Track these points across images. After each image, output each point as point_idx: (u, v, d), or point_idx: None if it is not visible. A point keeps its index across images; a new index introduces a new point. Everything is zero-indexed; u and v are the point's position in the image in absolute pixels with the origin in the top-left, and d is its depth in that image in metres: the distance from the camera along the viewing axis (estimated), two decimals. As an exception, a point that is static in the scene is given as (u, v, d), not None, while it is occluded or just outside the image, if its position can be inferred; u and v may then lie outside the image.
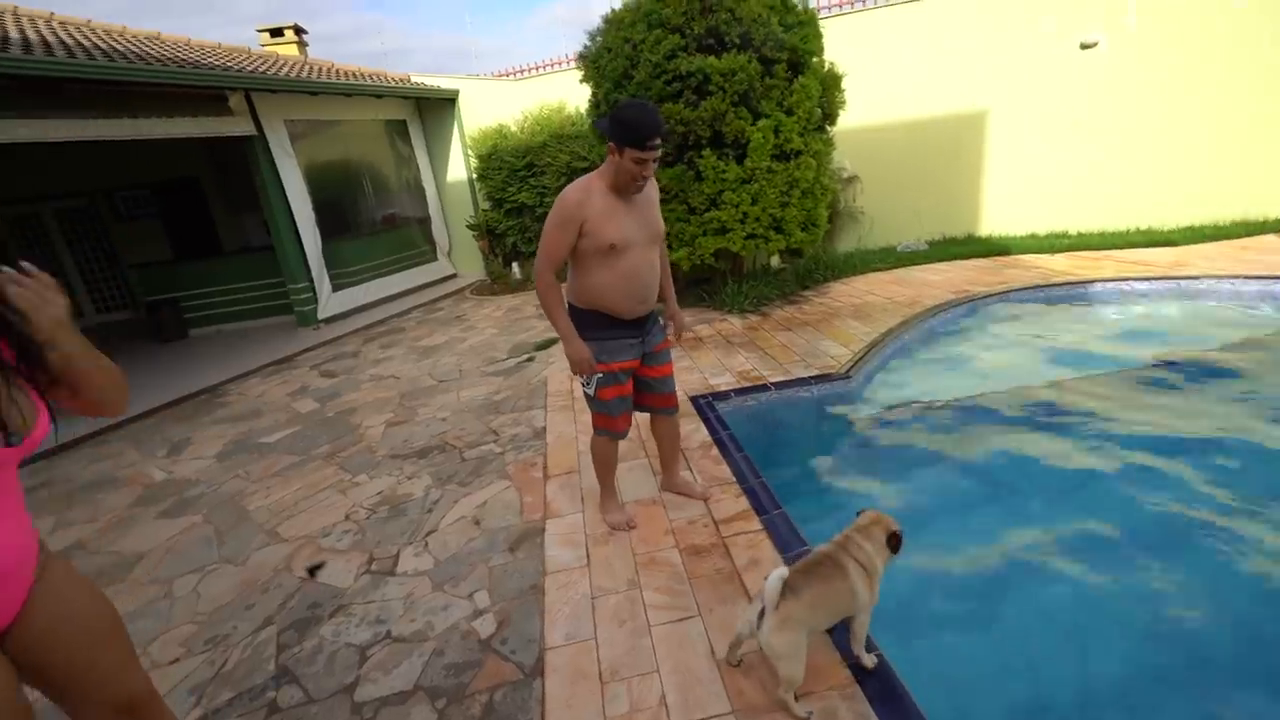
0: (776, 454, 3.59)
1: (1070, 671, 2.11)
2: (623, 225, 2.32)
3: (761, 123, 5.42)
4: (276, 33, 10.15)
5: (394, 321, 7.91)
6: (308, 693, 2.14)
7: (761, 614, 1.76)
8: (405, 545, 2.92)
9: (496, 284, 9.10)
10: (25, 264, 1.26)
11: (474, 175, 9.61)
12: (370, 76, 9.25)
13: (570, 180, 2.37)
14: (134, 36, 7.79)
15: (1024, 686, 2.08)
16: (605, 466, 2.80)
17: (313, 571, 2.83)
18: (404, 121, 9.44)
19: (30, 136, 5.21)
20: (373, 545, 2.96)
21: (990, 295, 5.54)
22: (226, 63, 7.31)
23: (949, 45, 7.64)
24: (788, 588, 1.75)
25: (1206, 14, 6.72)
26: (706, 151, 5.54)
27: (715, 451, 3.36)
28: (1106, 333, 4.89)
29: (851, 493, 3.22)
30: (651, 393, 2.71)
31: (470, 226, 9.56)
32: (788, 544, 2.52)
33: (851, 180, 8.31)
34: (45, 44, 5.75)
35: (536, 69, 9.73)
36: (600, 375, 2.50)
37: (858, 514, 2.03)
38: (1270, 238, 6.44)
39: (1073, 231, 7.62)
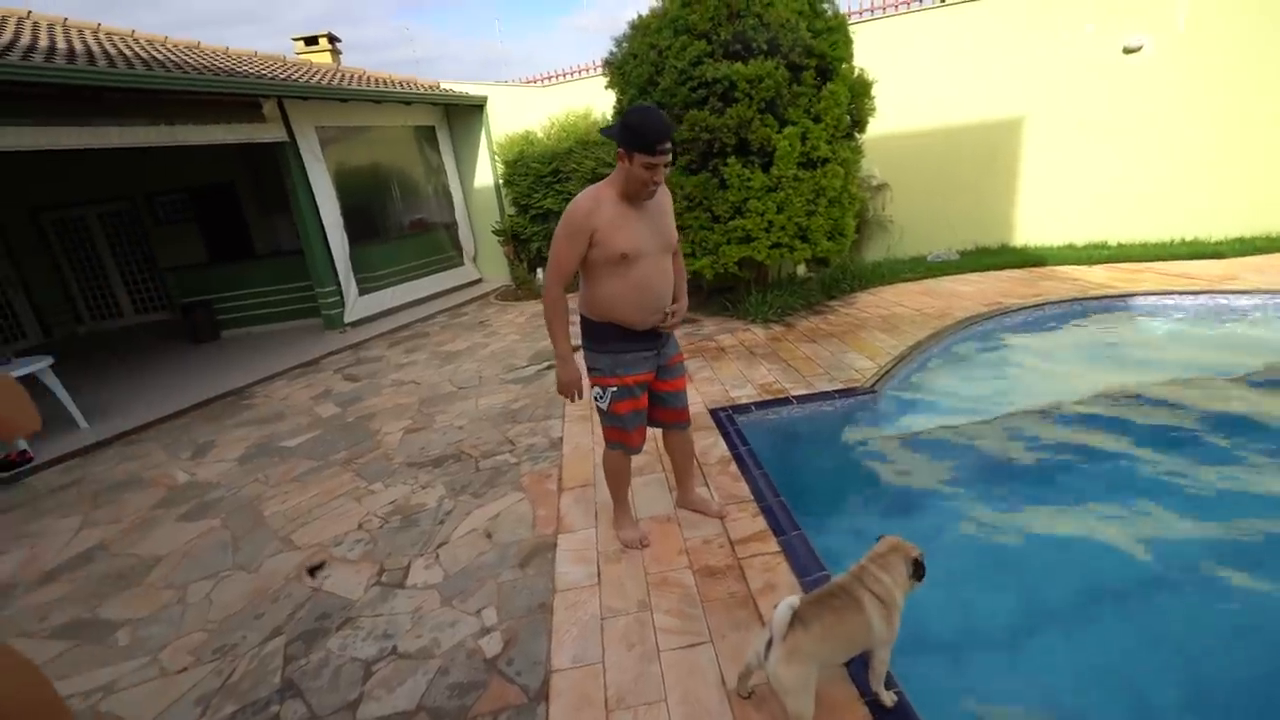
0: (797, 471, 3.49)
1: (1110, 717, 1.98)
2: (634, 234, 2.26)
3: (788, 130, 5.32)
4: (311, 41, 10.36)
5: (418, 326, 7.97)
6: (311, 709, 2.11)
7: (770, 645, 1.67)
8: (416, 557, 2.89)
9: (521, 289, 9.13)
10: None
11: (500, 181, 9.67)
12: (400, 84, 9.37)
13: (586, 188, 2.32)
14: (174, 46, 8.01)
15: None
16: (619, 481, 2.73)
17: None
18: (432, 128, 9.54)
19: (71, 143, 5.37)
20: (384, 556, 2.93)
21: (1024, 308, 5.34)
22: (261, 71, 7.47)
23: (984, 50, 7.44)
24: (797, 619, 1.67)
25: (1262, 11, 6.41)
26: (732, 159, 5.46)
27: (734, 467, 3.27)
28: (1147, 349, 4.67)
29: (873, 513, 3.11)
30: (664, 407, 2.63)
31: (496, 232, 9.61)
32: (805, 568, 2.42)
33: (881, 188, 8.14)
34: (89, 54, 5.93)
35: (563, 75, 9.77)
36: (615, 389, 2.44)
37: (877, 540, 1.93)
38: (1328, 250, 6.12)
39: (1112, 242, 7.35)
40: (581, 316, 2.47)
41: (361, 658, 2.31)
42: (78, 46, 6.22)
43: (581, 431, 3.98)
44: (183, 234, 10.10)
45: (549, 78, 9.90)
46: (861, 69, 5.93)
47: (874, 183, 8.02)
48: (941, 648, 2.27)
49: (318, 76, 8.27)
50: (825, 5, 5.69)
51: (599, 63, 6.58)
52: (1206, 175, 6.92)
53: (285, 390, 5.91)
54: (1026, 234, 7.84)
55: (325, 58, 10.37)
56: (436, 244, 9.71)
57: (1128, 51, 6.90)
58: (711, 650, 2.09)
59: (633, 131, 2.12)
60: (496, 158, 9.61)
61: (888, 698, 1.80)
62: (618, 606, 2.36)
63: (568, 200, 9.63)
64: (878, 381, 4.12)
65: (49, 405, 5.24)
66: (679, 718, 1.86)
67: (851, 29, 5.88)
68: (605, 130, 2.29)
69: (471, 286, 9.93)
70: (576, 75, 9.59)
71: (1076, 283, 5.97)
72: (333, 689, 2.18)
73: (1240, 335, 4.72)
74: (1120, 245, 7.21)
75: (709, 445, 3.51)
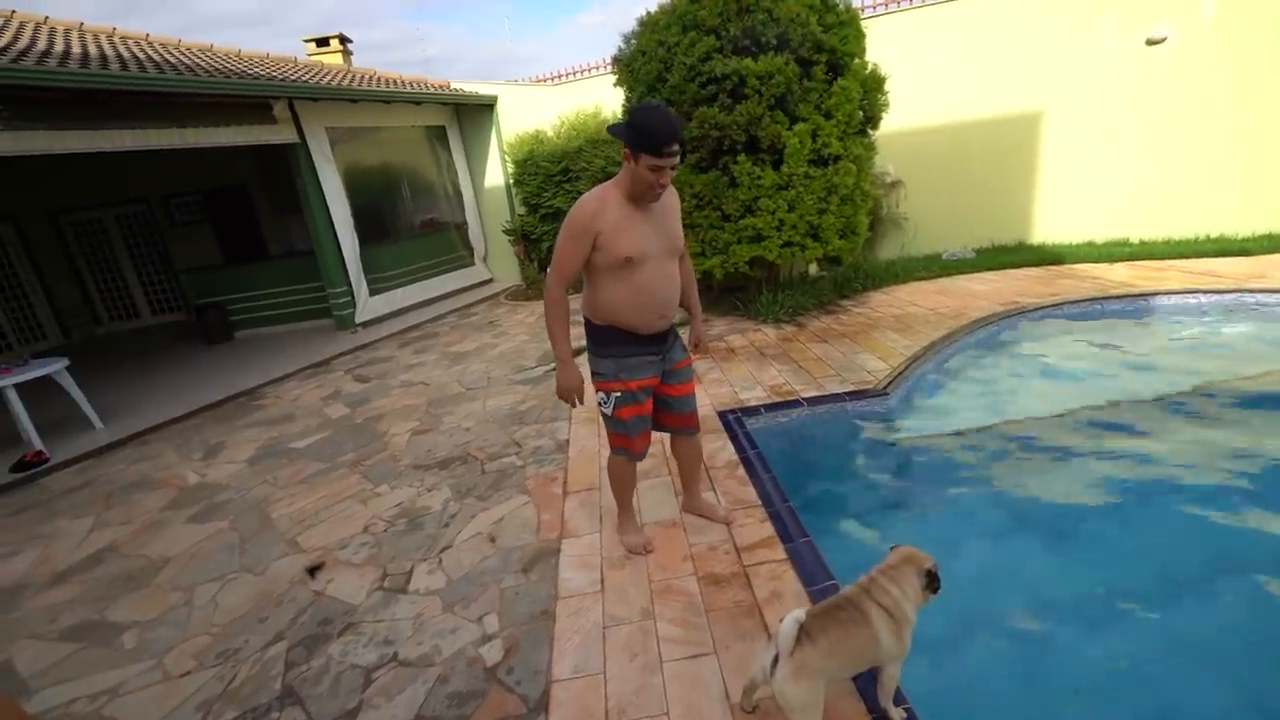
0: (806, 476, 3.43)
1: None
2: (639, 237, 2.20)
3: (798, 127, 5.24)
4: (322, 42, 10.41)
5: (429, 326, 7.98)
6: (310, 717, 2.09)
7: (775, 660, 1.62)
8: (420, 561, 2.87)
9: (531, 289, 9.12)
10: None
11: (510, 180, 9.66)
12: (410, 84, 9.39)
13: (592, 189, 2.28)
14: (187, 49, 8.09)
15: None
16: (623, 487, 2.69)
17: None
18: (443, 127, 9.55)
19: (85, 147, 5.42)
20: (387, 560, 2.92)
21: (1042, 307, 5.22)
22: (272, 72, 7.51)
23: (1001, 43, 7.29)
24: (804, 632, 1.61)
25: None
26: (742, 157, 5.39)
27: (741, 471, 3.22)
28: (1170, 350, 4.54)
29: (884, 520, 3.04)
30: (670, 412, 2.58)
31: (506, 231, 9.61)
32: (813, 576, 2.36)
33: (895, 185, 8.01)
34: (103, 58, 5.99)
35: (573, 74, 9.73)
36: (619, 394, 2.40)
37: (890, 550, 1.86)
38: (1360, 246, 5.92)
39: (1134, 239, 7.17)
40: (585, 319, 2.42)
41: (362, 665, 2.29)
42: (92, 51, 6.28)
43: (588, 434, 3.94)
44: (197, 235, 10.20)
45: (559, 76, 9.87)
46: (874, 64, 5.83)
47: (888, 180, 7.90)
48: (954, 660, 2.20)
49: (328, 77, 8.31)
50: (836, -1, 5.61)
51: (609, 60, 6.53)
52: (1234, 170, 6.72)
53: (296, 391, 5.94)
54: (1045, 231, 7.68)
55: (337, 59, 10.42)
56: (447, 244, 9.72)
57: (1151, 43, 6.72)
58: (715, 662, 2.04)
59: (639, 131, 2.06)
60: (507, 157, 9.60)
61: (896, 715, 1.74)
62: (620, 615, 2.32)
63: (577, 199, 9.65)
64: (890, 383, 4.04)
65: (65, 406, 5.32)
66: (681, 732, 1.81)
67: (864, 23, 5.78)
68: (612, 128, 2.23)
69: (482, 286, 9.93)
70: (586, 74, 9.55)
71: (1096, 281, 5.83)
72: (332, 696, 2.16)
73: (1270, 334, 4.57)
74: (1143, 242, 7.04)
75: (717, 448, 3.46)
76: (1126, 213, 7.22)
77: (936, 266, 7.04)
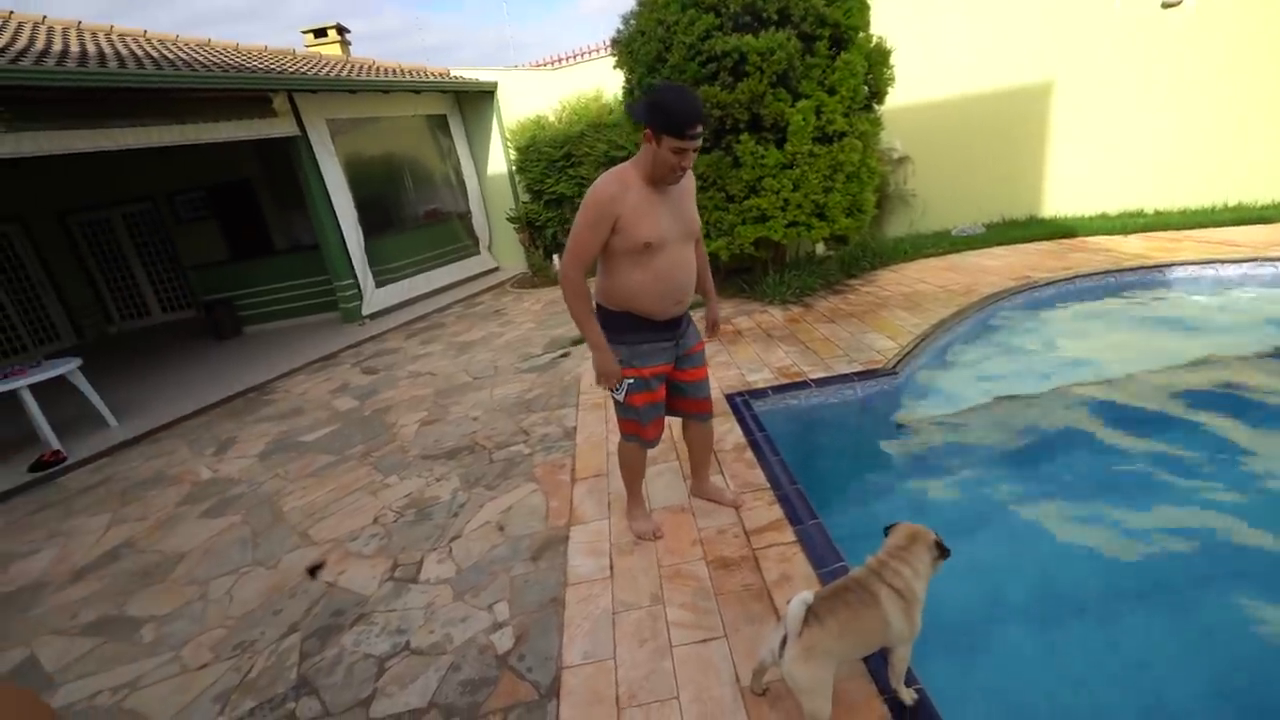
0: (814, 457, 3.41)
1: (1129, 706, 1.88)
2: (659, 221, 2.14)
3: (801, 104, 5.15)
4: (320, 33, 10.35)
5: (435, 316, 7.99)
6: (325, 705, 2.12)
7: (784, 641, 1.61)
8: (430, 551, 2.89)
9: (537, 277, 9.09)
10: None
11: (513, 167, 9.60)
12: (409, 72, 9.32)
13: (608, 170, 2.21)
14: (185, 44, 8.05)
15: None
16: (633, 473, 2.68)
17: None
18: (444, 116, 9.49)
19: (86, 146, 5.42)
20: (398, 550, 2.93)
21: (1054, 282, 5.13)
22: (270, 65, 7.47)
23: (1010, 11, 7.11)
24: (812, 615, 1.60)
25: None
26: (745, 136, 5.31)
27: (749, 454, 3.20)
28: (1185, 323, 4.45)
29: (894, 500, 3.01)
30: (685, 397, 2.55)
31: (510, 219, 9.57)
32: (822, 558, 2.35)
33: (903, 161, 7.89)
34: (101, 56, 5.97)
35: (573, 57, 9.62)
36: (631, 381, 2.36)
37: (887, 530, 1.84)
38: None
39: (1149, 210, 7.03)
40: (597, 305, 2.36)
41: (375, 654, 2.31)
42: (90, 49, 6.26)
43: (595, 420, 3.93)
44: (203, 232, 10.22)
45: (558, 60, 9.76)
46: (879, 37, 5.70)
47: (895, 155, 7.77)
48: (966, 641, 2.19)
49: (326, 68, 8.26)
50: (839, -30, 5.47)
51: (608, 43, 6.43)
52: (1252, 137, 6.55)
53: (305, 385, 5.97)
54: (1056, 204, 7.54)
55: (335, 49, 10.37)
56: (451, 233, 9.70)
57: (1166, 6, 6.53)
58: (725, 645, 2.04)
59: (662, 112, 1.99)
60: (509, 144, 9.53)
61: (907, 695, 1.73)
62: (630, 600, 2.32)
63: (580, 185, 9.48)
64: (899, 362, 4.00)
65: (79, 405, 5.38)
66: (692, 716, 1.81)
67: (868, -5, 5.64)
68: (630, 107, 2.16)
69: (487, 275, 9.92)
70: (586, 56, 9.44)
71: (1110, 254, 5.72)
72: (346, 685, 2.19)
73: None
74: (1158, 213, 6.89)
75: (724, 431, 3.44)
76: (1141, 183, 7.06)
77: (946, 243, 6.93)
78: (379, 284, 8.23)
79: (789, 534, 2.53)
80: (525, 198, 9.52)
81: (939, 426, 3.52)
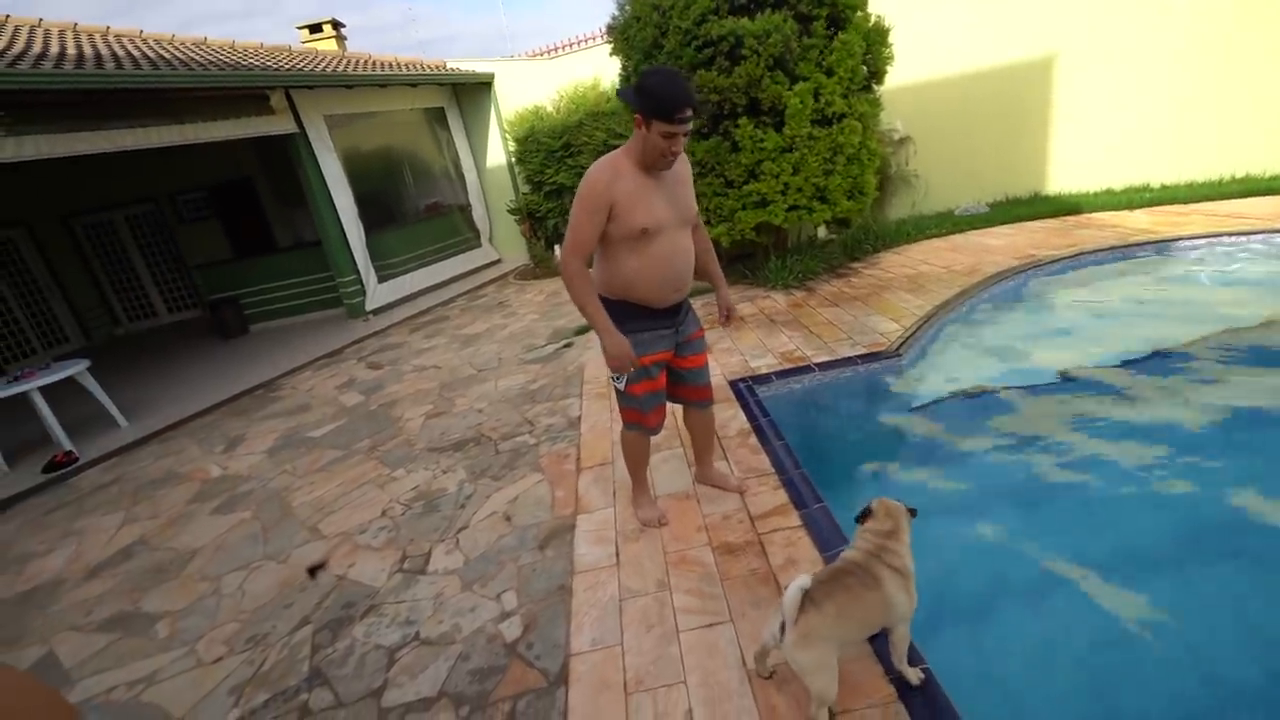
0: (819, 441, 3.41)
1: (1142, 687, 1.88)
2: (654, 207, 2.13)
3: (799, 86, 5.09)
4: (315, 29, 10.30)
5: (439, 310, 8.01)
6: (338, 696, 2.15)
7: (784, 626, 1.61)
8: (438, 542, 2.91)
9: (539, 268, 9.08)
10: None
11: (512, 159, 9.56)
12: (406, 66, 9.28)
13: (601, 157, 2.19)
14: (181, 44, 8.04)
15: (1090, 704, 1.87)
16: (637, 461, 2.69)
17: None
18: (441, 109, 9.45)
19: (85, 149, 5.44)
20: (406, 542, 2.96)
21: (1059, 260, 5.09)
22: (266, 63, 7.44)
23: (1010, -14, 7.00)
24: (809, 599, 1.60)
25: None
26: (743, 120, 5.27)
27: (753, 440, 3.20)
28: (1194, 298, 4.41)
29: (899, 482, 3.01)
30: (685, 384, 2.56)
31: (511, 211, 9.54)
32: (828, 541, 2.35)
33: (904, 141, 7.81)
34: (98, 57, 5.96)
35: (569, 46, 9.54)
36: (632, 369, 2.37)
37: (861, 516, 1.83)
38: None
39: (1155, 184, 6.95)
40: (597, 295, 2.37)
41: (385, 645, 2.34)
42: (87, 51, 6.26)
43: (600, 409, 3.94)
44: (207, 231, 10.25)
45: (555, 49, 9.69)
46: (877, 16, 5.63)
47: (896, 136, 7.69)
48: (973, 623, 2.19)
49: (321, 64, 8.23)
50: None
51: (604, 30, 6.38)
52: (1260, 107, 6.44)
53: (311, 381, 6.01)
54: (1061, 181, 7.46)
55: (331, 45, 10.32)
56: (452, 227, 9.69)
57: (1169, -25, 6.41)
58: (732, 630, 2.05)
59: (651, 96, 1.97)
60: (507, 135, 9.49)
61: (914, 675, 1.74)
62: (636, 587, 2.34)
63: (580, 174, 9.45)
64: (903, 344, 3.98)
65: (89, 406, 5.43)
66: (699, 700, 1.83)
67: (865, -28, 5.56)
68: (621, 92, 2.14)
69: (490, 268, 9.92)
70: (583, 44, 9.36)
71: (1115, 230, 5.67)
72: (358, 676, 2.22)
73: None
74: (1164, 187, 6.82)
75: (728, 418, 3.44)
76: (1146, 158, 6.97)
77: (949, 223, 6.88)
78: (381, 279, 8.24)
79: (794, 518, 2.53)
80: (525, 189, 9.49)
81: (943, 407, 3.51)
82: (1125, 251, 5.09)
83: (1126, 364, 3.63)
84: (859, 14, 5.36)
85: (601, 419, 3.80)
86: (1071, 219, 6.36)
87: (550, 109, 9.12)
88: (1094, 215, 6.34)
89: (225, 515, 3.64)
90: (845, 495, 2.78)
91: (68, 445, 4.95)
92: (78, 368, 5.17)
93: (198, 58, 6.89)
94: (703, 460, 2.84)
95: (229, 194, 10.06)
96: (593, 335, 5.36)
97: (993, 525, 2.59)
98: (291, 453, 4.34)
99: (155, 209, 10.14)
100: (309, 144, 7.33)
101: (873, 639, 1.87)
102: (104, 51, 6.37)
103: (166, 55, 6.72)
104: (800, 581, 1.59)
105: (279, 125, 7.03)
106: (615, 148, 2.23)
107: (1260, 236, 4.83)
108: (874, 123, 5.77)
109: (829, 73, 5.19)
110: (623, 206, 2.10)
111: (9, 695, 1.02)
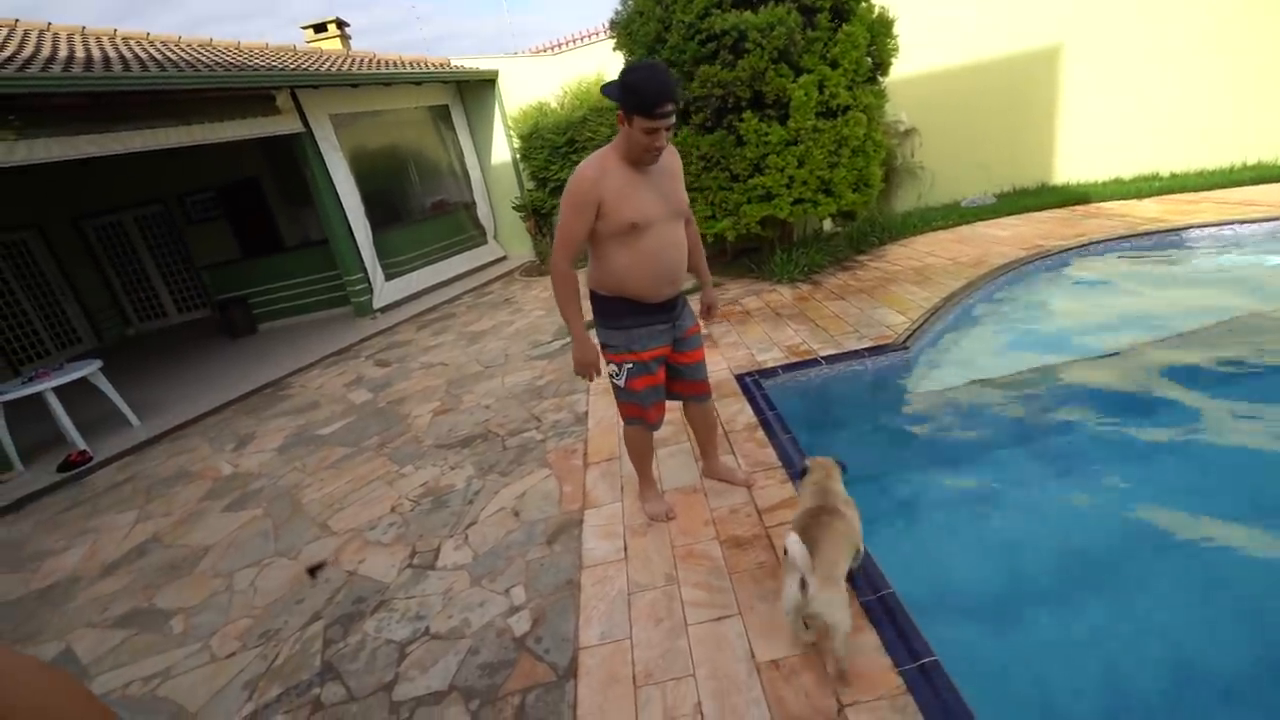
0: (826, 435, 3.40)
1: (1151, 675, 1.88)
2: (643, 201, 2.14)
3: (803, 79, 5.07)
4: (320, 29, 10.32)
5: (445, 307, 8.03)
6: (349, 690, 2.17)
7: (802, 582, 1.70)
8: (446, 538, 2.93)
9: (544, 264, 9.09)
10: None
11: (517, 155, 9.57)
12: (410, 64, 9.29)
13: (588, 155, 2.23)
14: (187, 45, 8.08)
15: (1101, 693, 1.86)
16: (641, 456, 2.69)
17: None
18: (446, 106, 9.46)
19: (93, 151, 5.47)
20: (415, 538, 2.98)
21: (1067, 250, 5.05)
22: (271, 63, 7.47)
23: (1017, -26, 6.93)
24: (811, 545, 1.75)
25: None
26: (747, 114, 5.25)
27: (760, 433, 3.20)
28: (1203, 288, 4.36)
29: (907, 473, 3.01)
30: (682, 380, 2.57)
31: (516, 207, 9.55)
32: (835, 535, 2.35)
33: (909, 133, 7.75)
34: (106, 60, 6.00)
35: (573, 41, 9.52)
36: (631, 365, 2.38)
37: (802, 473, 2.22)
38: None
39: (1164, 173, 6.87)
40: (591, 293, 2.39)
41: (396, 639, 2.36)
42: (95, 54, 6.30)
43: (606, 404, 3.94)
44: (215, 231, 10.32)
45: (558, 45, 9.67)
46: (882, 7, 5.59)
47: (901, 128, 7.64)
48: (981, 613, 2.19)
49: (326, 63, 8.25)
50: (839, -60, 5.35)
51: (608, 25, 6.36)
52: (1274, 92, 6.35)
53: (320, 379, 6.05)
54: (1069, 171, 7.39)
55: (335, 44, 10.34)
56: (458, 224, 9.71)
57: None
58: (740, 623, 2.06)
59: (631, 92, 1.99)
60: (512, 132, 9.50)
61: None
62: (644, 581, 2.35)
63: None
64: (910, 337, 3.96)
65: (102, 405, 5.49)
66: (708, 692, 1.84)
67: (869, -37, 5.52)
68: (605, 88, 2.15)
69: (495, 265, 9.93)
70: (587, 40, 9.34)
71: (1124, 219, 5.61)
72: (369, 670, 2.24)
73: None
74: (1174, 175, 6.74)
75: (735, 412, 3.44)
76: (1155, 146, 6.90)
77: (955, 215, 6.83)
78: (389, 277, 8.28)
79: (801, 511, 2.53)
80: (530, 185, 9.50)
81: (950, 400, 3.50)
82: (1134, 241, 5.04)
83: (1136, 353, 3.60)
84: (863, 5, 5.33)
85: (608, 414, 3.81)
86: (1080, 209, 6.30)
87: (554, 105, 9.12)
88: (1103, 205, 6.29)
89: (236, 512, 3.68)
90: (853, 488, 2.78)
91: (82, 444, 5.01)
92: (90, 368, 5.22)
93: (204, 59, 6.92)
94: (708, 454, 2.84)
95: (236, 194, 10.12)
96: (592, 333, 5.33)
97: (1002, 517, 2.59)
98: (301, 450, 4.38)
99: (164, 210, 10.21)
100: (315, 143, 7.36)
101: (883, 630, 1.88)
102: (111, 54, 6.41)
103: (173, 57, 6.76)
104: (793, 538, 1.72)
105: (285, 125, 7.06)
106: (618, 143, 2.23)
107: (1273, 223, 4.76)
108: (879, 115, 5.73)
109: (833, 65, 5.17)
110: (611, 203, 2.11)
111: (59, 697, 1.04)
